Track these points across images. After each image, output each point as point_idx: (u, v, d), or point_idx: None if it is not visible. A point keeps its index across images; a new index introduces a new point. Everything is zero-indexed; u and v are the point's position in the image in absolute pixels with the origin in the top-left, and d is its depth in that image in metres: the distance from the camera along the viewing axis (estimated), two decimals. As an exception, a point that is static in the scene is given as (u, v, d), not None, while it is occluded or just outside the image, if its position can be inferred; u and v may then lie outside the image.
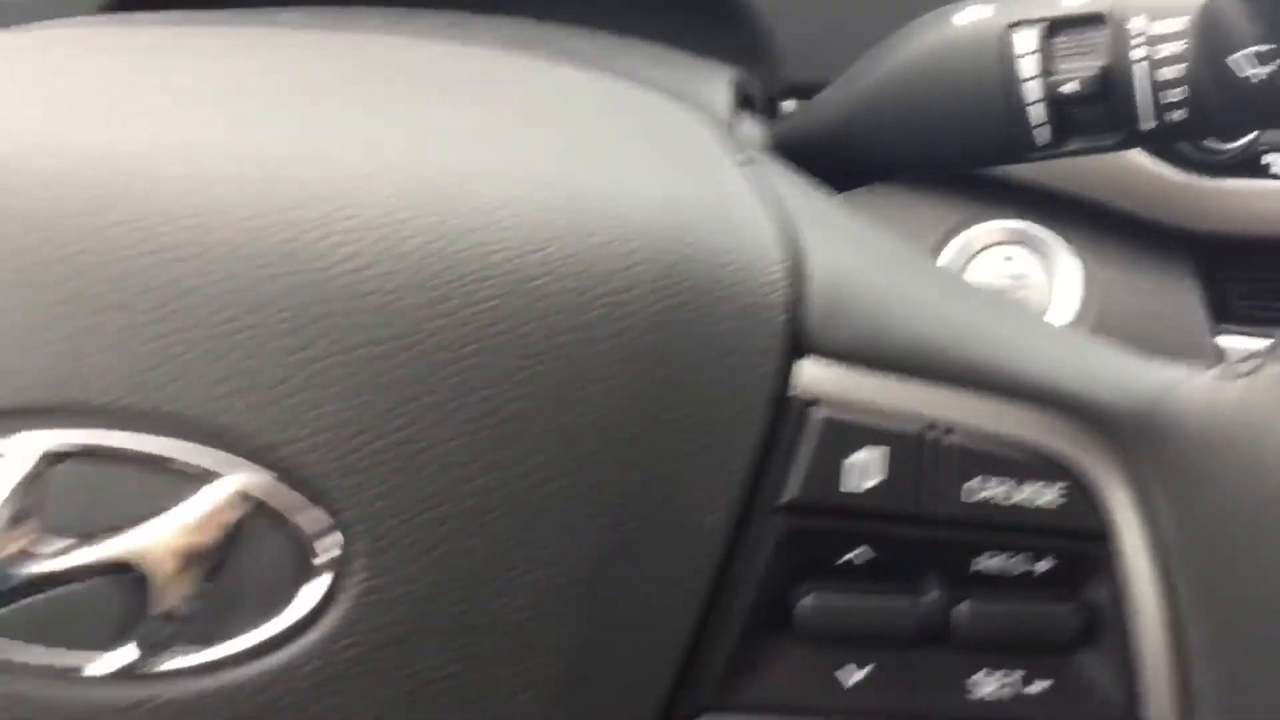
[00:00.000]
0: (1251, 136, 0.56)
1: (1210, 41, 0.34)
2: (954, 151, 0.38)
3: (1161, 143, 0.38)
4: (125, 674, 0.25)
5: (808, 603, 0.26)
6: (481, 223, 0.25)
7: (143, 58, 0.33)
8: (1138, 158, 0.57)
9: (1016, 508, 0.26)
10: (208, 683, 0.25)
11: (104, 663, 0.25)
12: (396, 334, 0.25)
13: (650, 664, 0.26)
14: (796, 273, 0.26)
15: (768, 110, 0.49)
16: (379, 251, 0.25)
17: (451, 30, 0.39)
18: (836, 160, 0.38)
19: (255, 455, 0.24)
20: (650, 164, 0.28)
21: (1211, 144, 0.56)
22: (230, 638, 0.25)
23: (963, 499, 0.26)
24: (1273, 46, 0.28)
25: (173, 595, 0.25)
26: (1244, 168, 0.57)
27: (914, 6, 0.44)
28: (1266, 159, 0.57)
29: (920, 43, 0.37)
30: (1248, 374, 0.26)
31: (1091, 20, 0.35)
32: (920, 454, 0.26)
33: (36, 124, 0.27)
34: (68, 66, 0.31)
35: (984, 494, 0.26)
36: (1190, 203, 0.57)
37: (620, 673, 0.26)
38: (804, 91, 0.46)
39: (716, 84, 0.40)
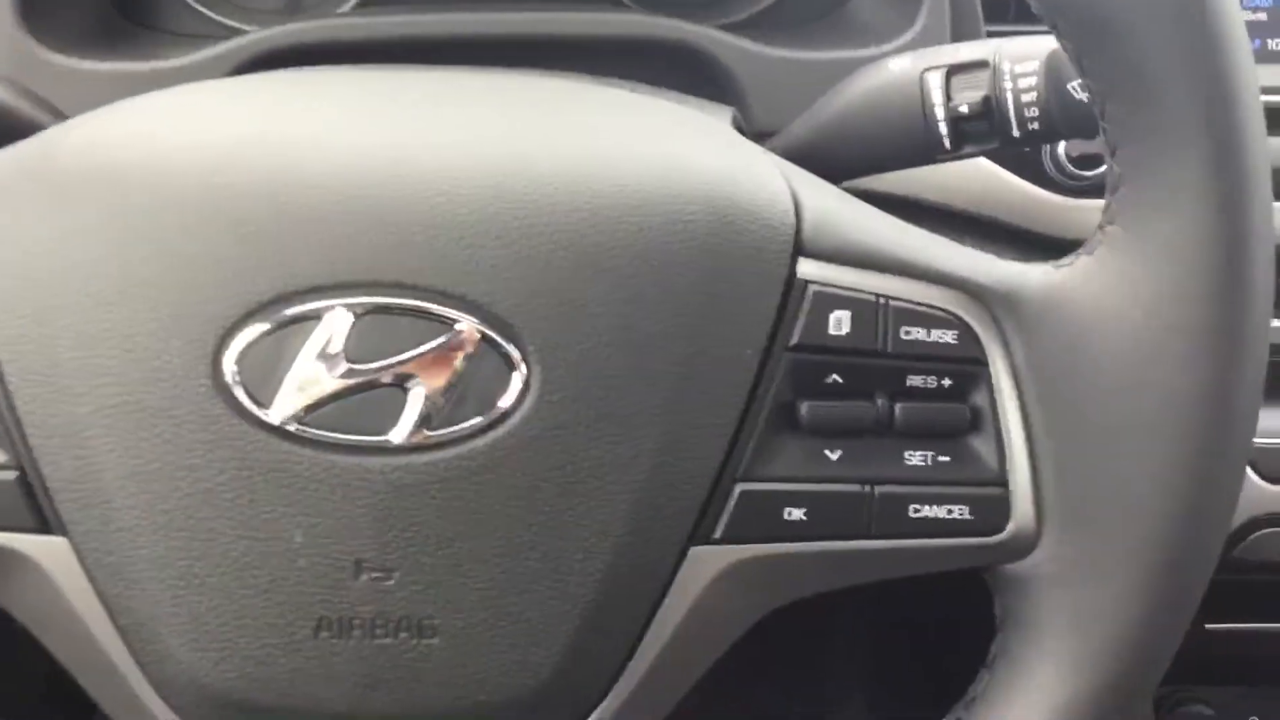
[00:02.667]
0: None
1: (1054, 76, 0.52)
2: (888, 156, 0.56)
3: (1026, 145, 0.55)
4: (401, 446, 0.41)
5: (805, 408, 0.43)
6: (619, 181, 0.42)
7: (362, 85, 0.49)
8: (1024, 186, 0.74)
9: (930, 343, 0.43)
10: (454, 449, 0.41)
11: (387, 438, 0.41)
12: (567, 247, 0.41)
13: (710, 446, 0.42)
14: (796, 208, 0.44)
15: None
16: (560, 200, 0.41)
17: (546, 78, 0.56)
18: (807, 166, 0.54)
19: (479, 310, 0.41)
20: (712, 146, 0.45)
21: (1076, 171, 0.74)
22: (465, 421, 0.41)
23: (899, 338, 0.43)
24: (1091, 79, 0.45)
25: (433, 396, 0.41)
26: (1098, 191, 0.75)
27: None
28: (1116, 184, 0.74)
29: (866, 83, 0.55)
30: (1067, 265, 0.43)
31: (977, 65, 0.53)
32: (874, 313, 0.43)
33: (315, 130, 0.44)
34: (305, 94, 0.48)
35: (911, 336, 0.43)
36: (1060, 217, 0.74)
37: (692, 451, 0.42)
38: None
39: (724, 115, 0.58)
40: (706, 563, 0.43)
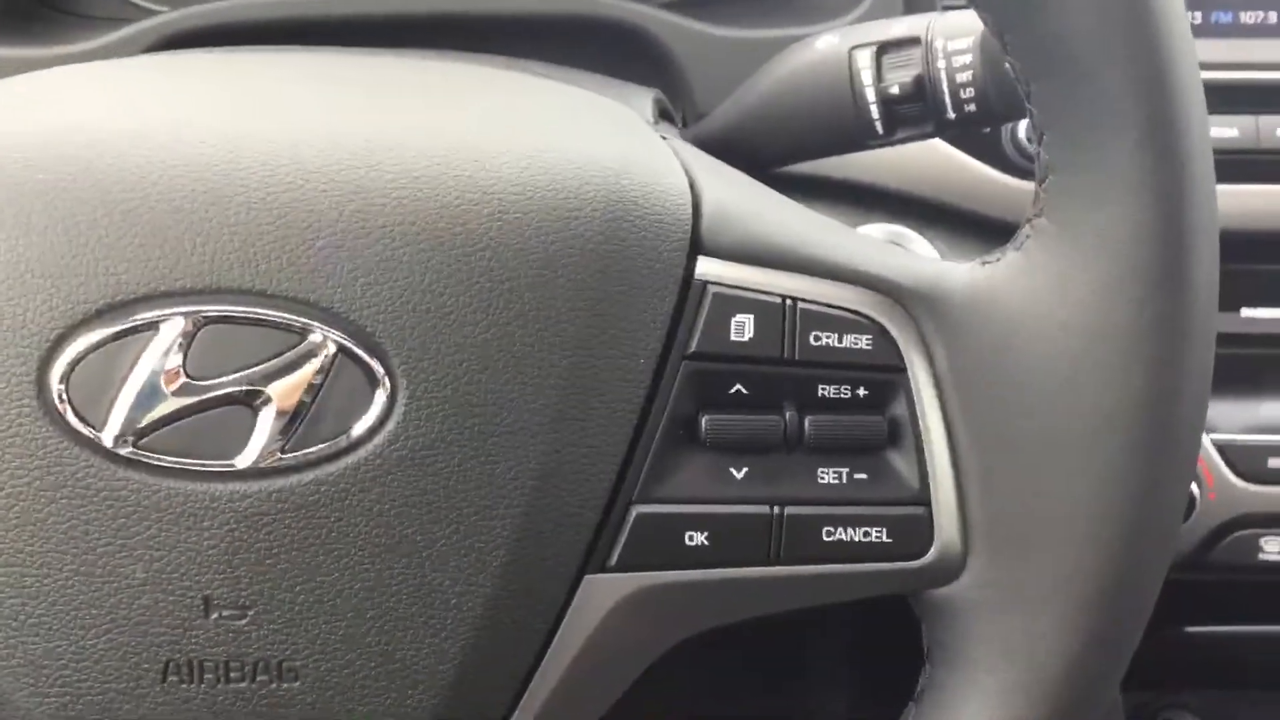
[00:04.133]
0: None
1: (990, 53, 0.47)
2: (817, 142, 0.52)
3: (962, 129, 0.51)
4: (250, 471, 0.37)
5: (706, 422, 0.39)
6: (493, 174, 0.38)
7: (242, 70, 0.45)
8: (983, 169, 0.70)
9: (841, 350, 0.39)
10: (311, 473, 0.37)
11: (236, 462, 0.37)
12: (435, 247, 0.37)
13: (601, 466, 0.38)
14: (694, 202, 0.39)
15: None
16: (426, 195, 0.37)
17: (445, 60, 0.52)
18: (732, 154, 0.50)
19: (337, 320, 0.36)
20: (603, 135, 0.41)
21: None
22: (323, 442, 0.37)
23: (809, 344, 0.39)
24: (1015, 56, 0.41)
25: (285, 415, 0.37)
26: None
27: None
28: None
29: (791, 63, 0.51)
30: (993, 263, 0.39)
31: (909, 42, 0.49)
32: (779, 317, 0.39)
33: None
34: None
35: (821, 342, 0.39)
36: (1020, 202, 0.70)
37: (581, 472, 0.38)
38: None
39: (644, 97, 0.54)
40: (603, 591, 0.39)
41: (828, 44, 0.50)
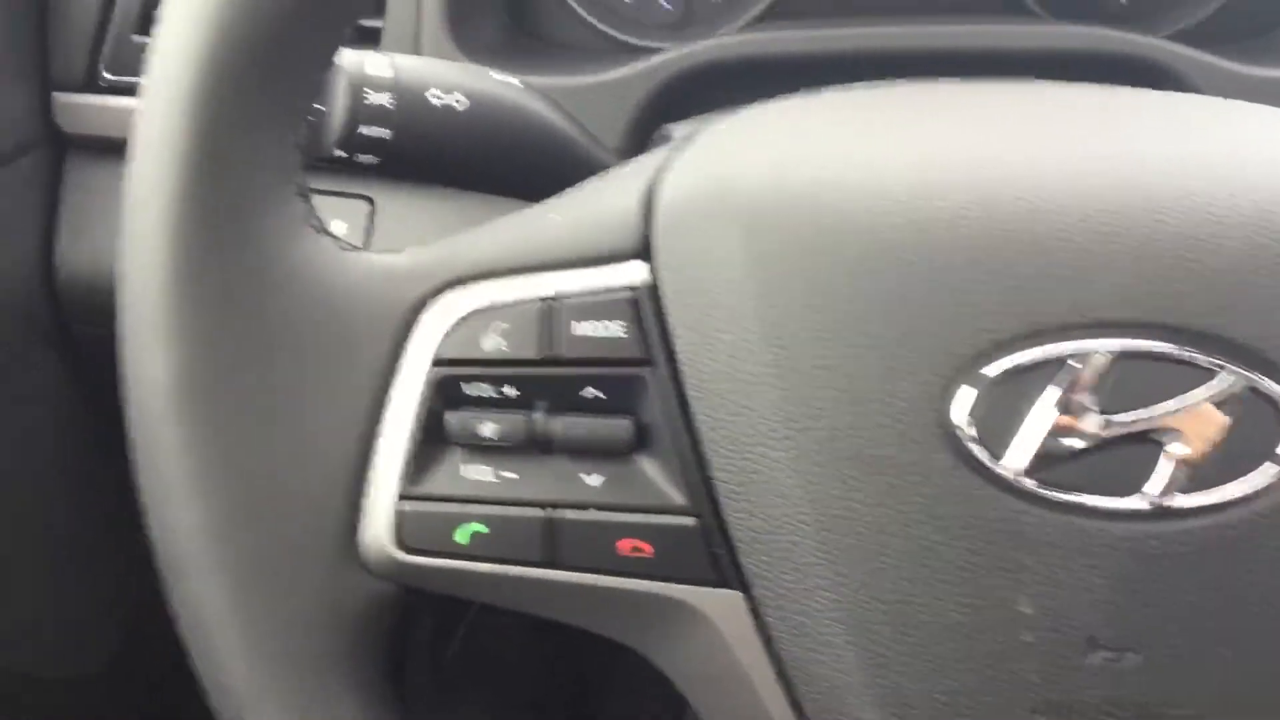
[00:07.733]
0: None
1: None
2: None
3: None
4: (1150, 510, 0.36)
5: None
6: None
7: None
8: None
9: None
10: (1212, 517, 0.35)
11: (1135, 501, 0.36)
12: None
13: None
14: None
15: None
16: None
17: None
18: None
19: (1250, 357, 0.35)
20: None
21: None
22: (1226, 484, 0.36)
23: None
24: None
25: (1190, 455, 0.35)
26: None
27: None
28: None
29: None
30: None
31: None
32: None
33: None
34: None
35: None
36: None
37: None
38: None
39: None
40: None
41: None
